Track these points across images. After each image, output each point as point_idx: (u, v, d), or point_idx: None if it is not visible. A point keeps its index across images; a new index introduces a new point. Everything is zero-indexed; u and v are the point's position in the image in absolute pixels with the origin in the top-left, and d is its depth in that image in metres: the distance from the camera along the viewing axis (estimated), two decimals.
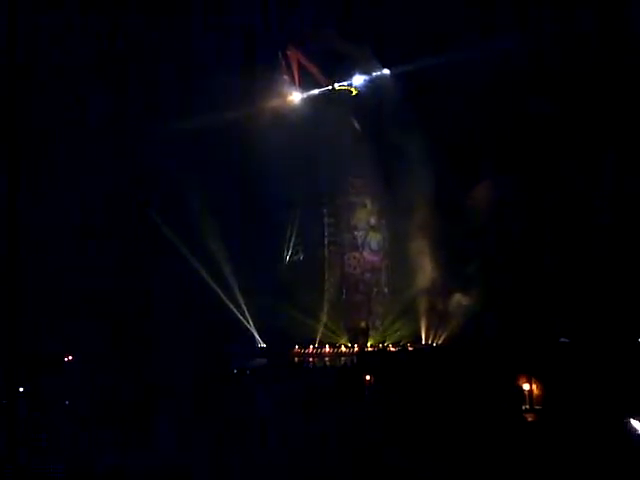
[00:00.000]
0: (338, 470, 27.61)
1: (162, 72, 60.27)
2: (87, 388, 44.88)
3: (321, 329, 64.56)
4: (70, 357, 57.32)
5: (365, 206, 69.23)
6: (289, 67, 67.22)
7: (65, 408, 42.25)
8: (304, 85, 67.80)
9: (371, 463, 28.09)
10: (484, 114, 59.75)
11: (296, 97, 67.48)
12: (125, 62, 59.71)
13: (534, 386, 39.60)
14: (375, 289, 68.59)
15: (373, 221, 69.25)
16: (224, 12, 61.12)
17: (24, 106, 53.84)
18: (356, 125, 68.58)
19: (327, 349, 64.81)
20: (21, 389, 44.66)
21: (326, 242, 68.88)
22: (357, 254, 68.66)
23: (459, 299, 64.09)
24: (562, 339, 53.33)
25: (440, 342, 64.85)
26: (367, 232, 69.09)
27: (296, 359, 63.42)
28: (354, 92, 68.66)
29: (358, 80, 68.36)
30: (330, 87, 68.27)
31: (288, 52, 67.06)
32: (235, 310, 61.50)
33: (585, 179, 58.11)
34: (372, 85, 68.19)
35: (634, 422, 24.62)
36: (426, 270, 65.77)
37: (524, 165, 60.29)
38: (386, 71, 67.49)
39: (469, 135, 61.15)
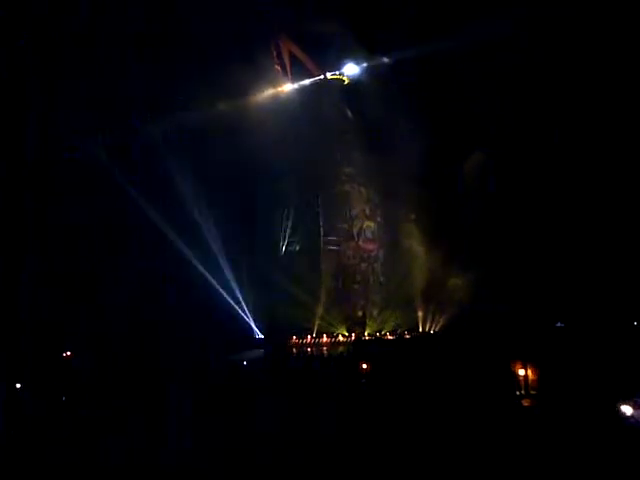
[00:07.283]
0: (335, 457, 27.68)
1: (151, 62, 59.50)
2: (87, 381, 45.00)
3: (318, 319, 64.63)
4: (69, 353, 57.35)
5: (359, 194, 69.11)
6: (280, 57, 66.89)
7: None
8: (296, 75, 67.54)
9: (367, 449, 28.20)
10: (476, 100, 59.62)
11: (288, 87, 67.17)
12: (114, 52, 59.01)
13: (529, 371, 39.70)
14: (371, 278, 68.58)
15: (368, 210, 69.17)
16: (216, 2, 60.51)
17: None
18: (349, 114, 68.39)
19: (324, 339, 64.89)
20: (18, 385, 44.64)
21: (321, 232, 68.73)
22: (353, 243, 68.63)
23: (455, 285, 64.08)
24: (558, 324, 53.67)
25: (437, 329, 65.04)
26: (362, 221, 69.02)
27: (294, 349, 63.53)
28: (346, 81, 68.40)
29: (350, 69, 68.06)
30: (322, 76, 67.92)
31: (280, 42, 66.77)
32: (232, 301, 61.62)
33: (581, 158, 57.86)
34: (364, 73, 67.85)
35: (624, 407, 24.79)
36: (421, 257, 65.90)
37: (517, 147, 60.21)
38: (380, 59, 66.98)
39: (461, 120, 61.09)
